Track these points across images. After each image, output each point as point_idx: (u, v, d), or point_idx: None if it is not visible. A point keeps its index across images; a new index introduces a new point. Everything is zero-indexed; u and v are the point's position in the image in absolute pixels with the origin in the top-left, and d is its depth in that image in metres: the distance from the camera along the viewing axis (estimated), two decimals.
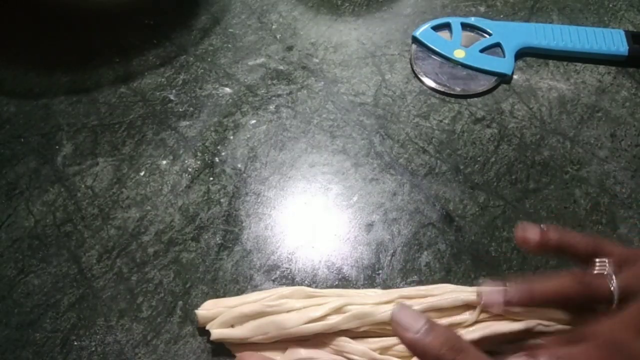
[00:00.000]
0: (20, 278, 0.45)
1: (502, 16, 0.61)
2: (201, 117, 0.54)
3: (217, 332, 0.41)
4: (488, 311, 0.41)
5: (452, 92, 0.56)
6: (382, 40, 0.60)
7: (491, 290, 0.39)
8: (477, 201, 0.49)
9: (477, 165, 0.51)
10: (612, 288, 0.36)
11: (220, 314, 0.41)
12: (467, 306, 0.41)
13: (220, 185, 0.50)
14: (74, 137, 0.53)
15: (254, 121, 0.54)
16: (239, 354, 0.41)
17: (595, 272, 0.37)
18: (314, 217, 0.48)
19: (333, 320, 0.40)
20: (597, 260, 0.37)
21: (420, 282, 0.45)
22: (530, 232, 0.39)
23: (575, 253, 0.39)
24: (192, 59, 0.59)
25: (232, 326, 0.41)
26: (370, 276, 0.45)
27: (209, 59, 0.59)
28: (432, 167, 0.51)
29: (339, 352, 0.40)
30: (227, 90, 0.56)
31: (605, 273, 0.36)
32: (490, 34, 0.59)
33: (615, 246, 0.39)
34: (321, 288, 0.44)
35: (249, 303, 0.41)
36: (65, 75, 0.57)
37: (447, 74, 0.57)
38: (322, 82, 0.57)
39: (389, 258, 0.46)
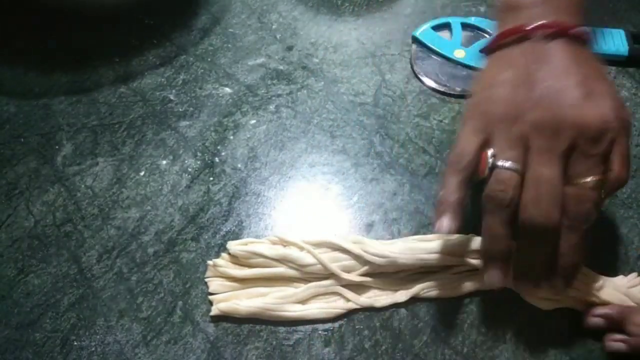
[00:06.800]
0: (20, 278, 0.45)
1: None
2: (201, 117, 0.54)
3: (221, 306, 0.43)
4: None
5: (452, 92, 0.56)
6: (382, 40, 0.60)
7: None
8: (476, 201, 0.48)
9: None
10: None
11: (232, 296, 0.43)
12: None
13: (220, 185, 0.50)
14: (73, 137, 0.53)
15: (254, 121, 0.54)
16: None
17: None
18: (314, 217, 0.48)
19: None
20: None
21: None
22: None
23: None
24: (192, 58, 0.59)
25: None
26: None
27: (209, 59, 0.59)
28: (432, 167, 0.51)
29: None
30: (227, 90, 0.56)
31: None
32: (490, 34, 0.59)
33: None
34: None
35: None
36: (65, 75, 0.57)
37: (447, 74, 0.57)
38: (322, 82, 0.57)
39: None
